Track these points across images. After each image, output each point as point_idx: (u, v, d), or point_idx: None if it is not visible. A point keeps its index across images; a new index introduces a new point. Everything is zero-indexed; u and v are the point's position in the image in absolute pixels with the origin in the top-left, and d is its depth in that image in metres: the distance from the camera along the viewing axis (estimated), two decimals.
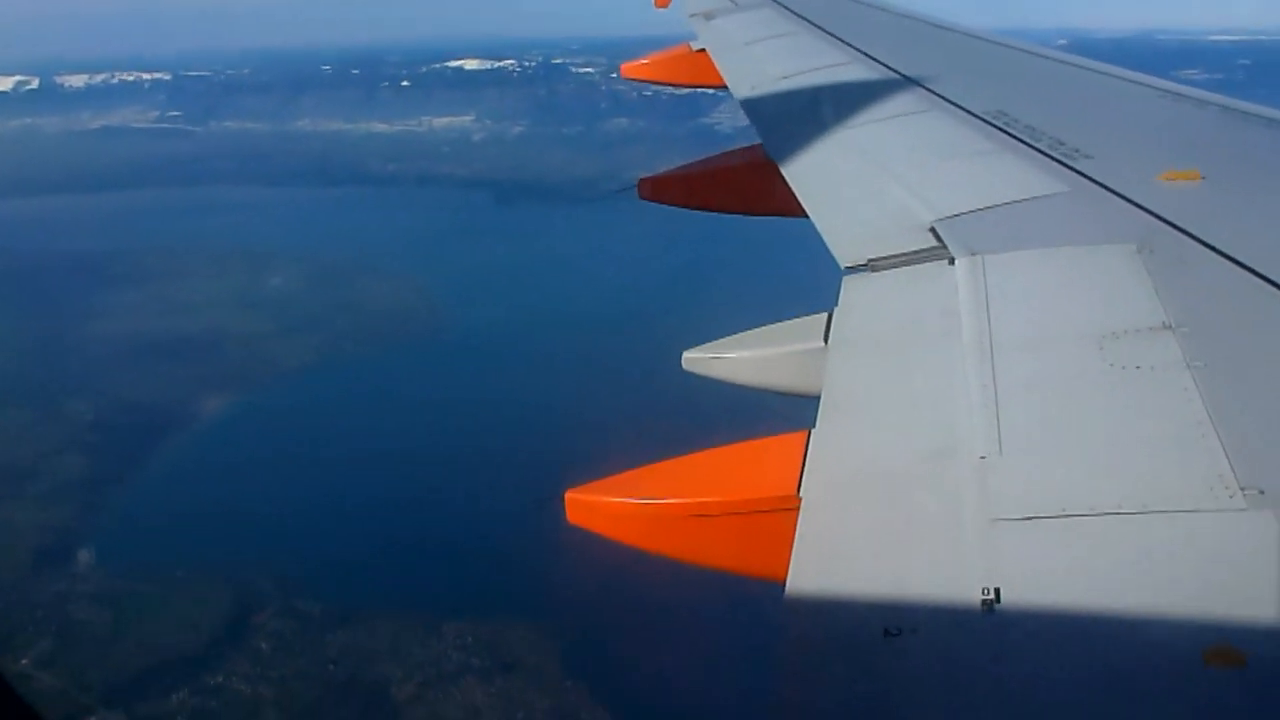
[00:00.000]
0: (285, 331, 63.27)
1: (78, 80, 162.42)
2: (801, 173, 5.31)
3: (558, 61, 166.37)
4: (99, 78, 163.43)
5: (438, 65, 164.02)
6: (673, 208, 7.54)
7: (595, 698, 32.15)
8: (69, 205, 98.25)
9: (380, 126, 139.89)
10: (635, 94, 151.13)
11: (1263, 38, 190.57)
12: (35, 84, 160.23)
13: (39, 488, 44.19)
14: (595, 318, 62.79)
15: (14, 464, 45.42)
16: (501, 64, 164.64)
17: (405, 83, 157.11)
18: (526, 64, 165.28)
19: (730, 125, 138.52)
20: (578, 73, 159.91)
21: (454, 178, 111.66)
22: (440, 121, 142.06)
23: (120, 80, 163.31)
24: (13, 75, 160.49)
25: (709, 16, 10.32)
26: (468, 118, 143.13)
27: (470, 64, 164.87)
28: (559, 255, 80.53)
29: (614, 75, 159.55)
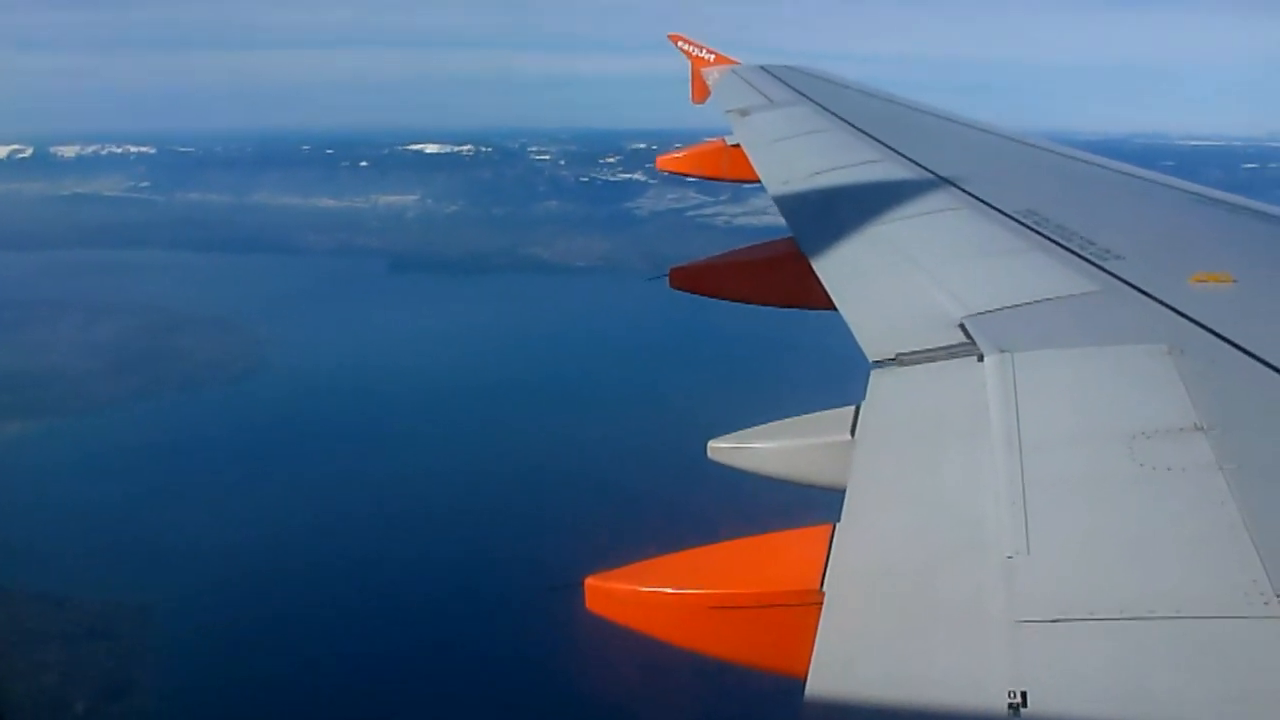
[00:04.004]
0: (112, 370, 71.72)
1: (70, 151, 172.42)
2: (832, 266, 5.35)
3: (517, 148, 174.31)
4: (90, 149, 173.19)
5: (400, 148, 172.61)
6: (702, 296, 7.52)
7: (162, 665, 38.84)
8: None
9: (329, 202, 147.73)
10: (574, 179, 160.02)
11: (1236, 144, 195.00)
12: (29, 153, 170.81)
13: None
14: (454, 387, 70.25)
15: None
16: (460, 149, 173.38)
17: (364, 163, 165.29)
18: (484, 149, 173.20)
19: (648, 210, 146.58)
20: (534, 159, 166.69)
21: (365, 248, 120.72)
22: (386, 199, 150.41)
23: (109, 152, 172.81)
24: (10, 144, 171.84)
25: (745, 113, 10.55)
26: (412, 197, 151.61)
27: (430, 148, 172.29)
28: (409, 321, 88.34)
29: (562, 162, 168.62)
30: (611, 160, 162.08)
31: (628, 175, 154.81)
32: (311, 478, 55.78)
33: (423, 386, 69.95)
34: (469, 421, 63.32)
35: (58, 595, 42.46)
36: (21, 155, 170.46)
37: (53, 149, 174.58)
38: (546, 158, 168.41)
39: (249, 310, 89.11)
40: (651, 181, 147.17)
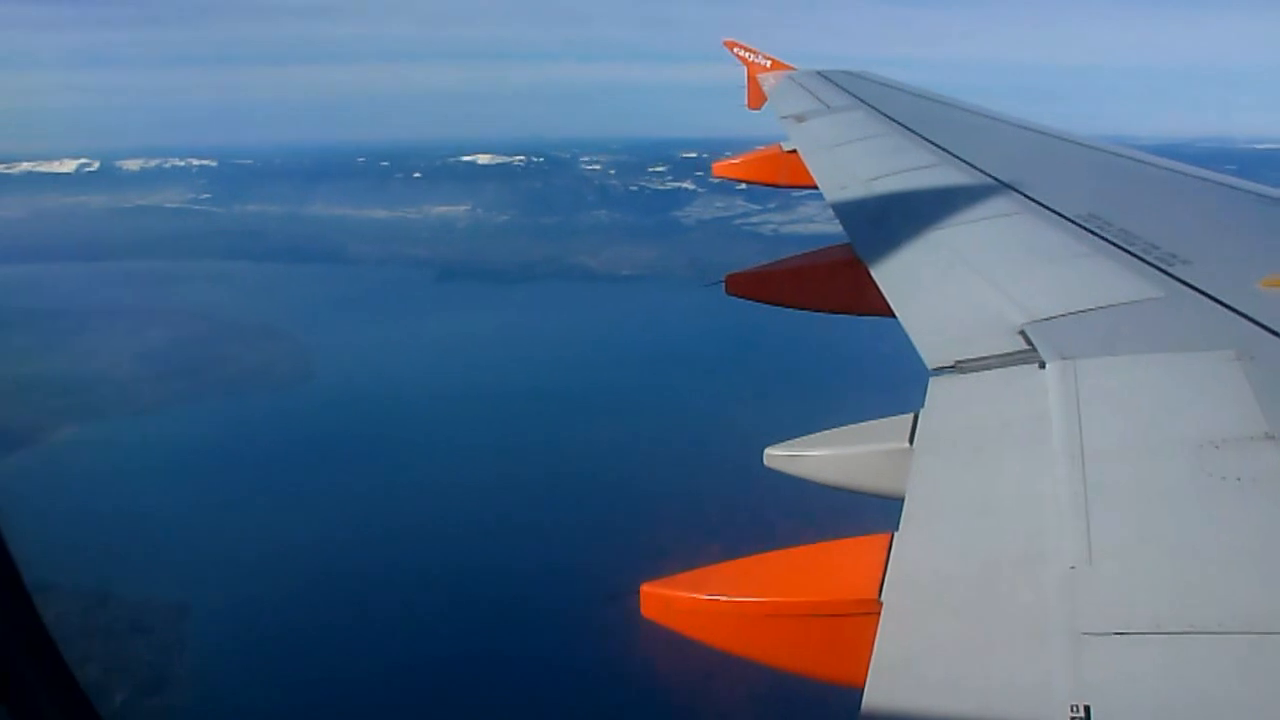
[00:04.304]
0: (163, 376, 73.79)
1: (134, 164, 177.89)
2: (890, 273, 5.30)
3: (568, 158, 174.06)
4: (154, 162, 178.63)
5: (453, 159, 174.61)
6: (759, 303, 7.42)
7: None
8: (59, 271, 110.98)
9: (381, 213, 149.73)
10: (623, 188, 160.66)
11: None
12: (96, 166, 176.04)
13: None
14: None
15: None
16: (512, 159, 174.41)
17: (417, 174, 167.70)
18: (535, 159, 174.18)
19: (695, 218, 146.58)
20: (584, 169, 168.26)
21: (413, 258, 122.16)
22: (438, 210, 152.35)
23: (172, 165, 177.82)
24: (77, 158, 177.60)
25: (800, 119, 10.48)
26: (463, 207, 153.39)
27: (483, 158, 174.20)
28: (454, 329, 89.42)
29: (612, 171, 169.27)
30: (660, 169, 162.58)
31: (676, 184, 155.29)
32: (358, 483, 56.63)
33: (471, 394, 70.65)
34: (519, 429, 63.72)
35: (101, 592, 43.64)
36: (88, 169, 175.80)
37: (118, 163, 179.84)
38: (597, 167, 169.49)
39: (299, 318, 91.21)
40: (700, 190, 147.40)
